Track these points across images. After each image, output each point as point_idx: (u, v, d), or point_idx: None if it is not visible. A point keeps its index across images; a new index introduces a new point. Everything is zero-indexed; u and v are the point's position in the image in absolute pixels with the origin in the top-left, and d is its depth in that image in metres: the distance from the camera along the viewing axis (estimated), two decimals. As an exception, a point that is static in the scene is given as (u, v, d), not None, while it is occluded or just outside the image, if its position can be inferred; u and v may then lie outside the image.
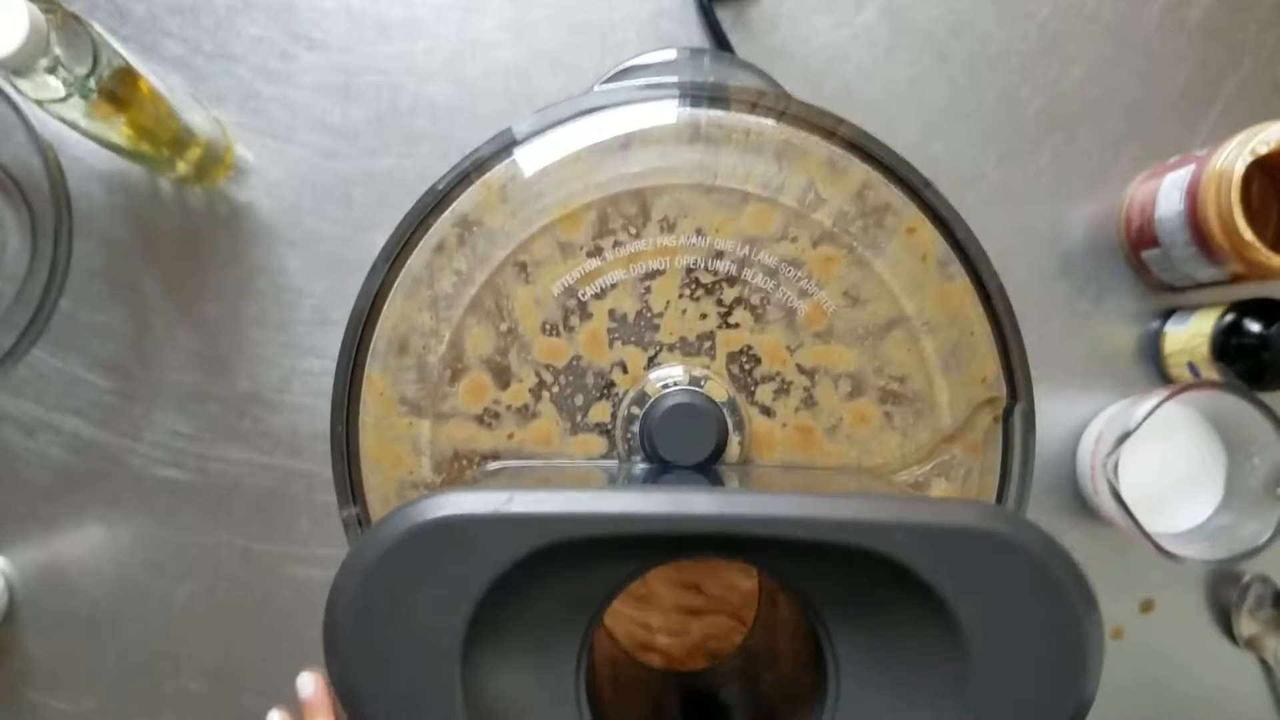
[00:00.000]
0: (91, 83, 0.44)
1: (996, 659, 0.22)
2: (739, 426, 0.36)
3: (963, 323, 0.37)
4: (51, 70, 0.42)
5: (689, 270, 0.36)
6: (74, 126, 0.47)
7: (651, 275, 0.36)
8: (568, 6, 0.57)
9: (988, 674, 0.22)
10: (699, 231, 0.36)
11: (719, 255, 0.36)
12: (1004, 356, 0.37)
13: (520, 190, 0.37)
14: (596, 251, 0.36)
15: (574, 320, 0.36)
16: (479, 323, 0.36)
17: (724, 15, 0.56)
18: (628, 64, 0.51)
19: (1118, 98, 0.58)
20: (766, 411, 0.37)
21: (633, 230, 0.36)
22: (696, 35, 0.57)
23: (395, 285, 0.37)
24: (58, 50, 0.42)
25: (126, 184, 0.56)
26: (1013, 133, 0.58)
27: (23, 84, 0.43)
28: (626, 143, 0.37)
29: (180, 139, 0.51)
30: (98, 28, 0.45)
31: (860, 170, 0.37)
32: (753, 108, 0.37)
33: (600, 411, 0.37)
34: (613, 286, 0.36)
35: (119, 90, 0.46)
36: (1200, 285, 0.55)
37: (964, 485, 0.37)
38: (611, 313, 0.36)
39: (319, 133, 0.57)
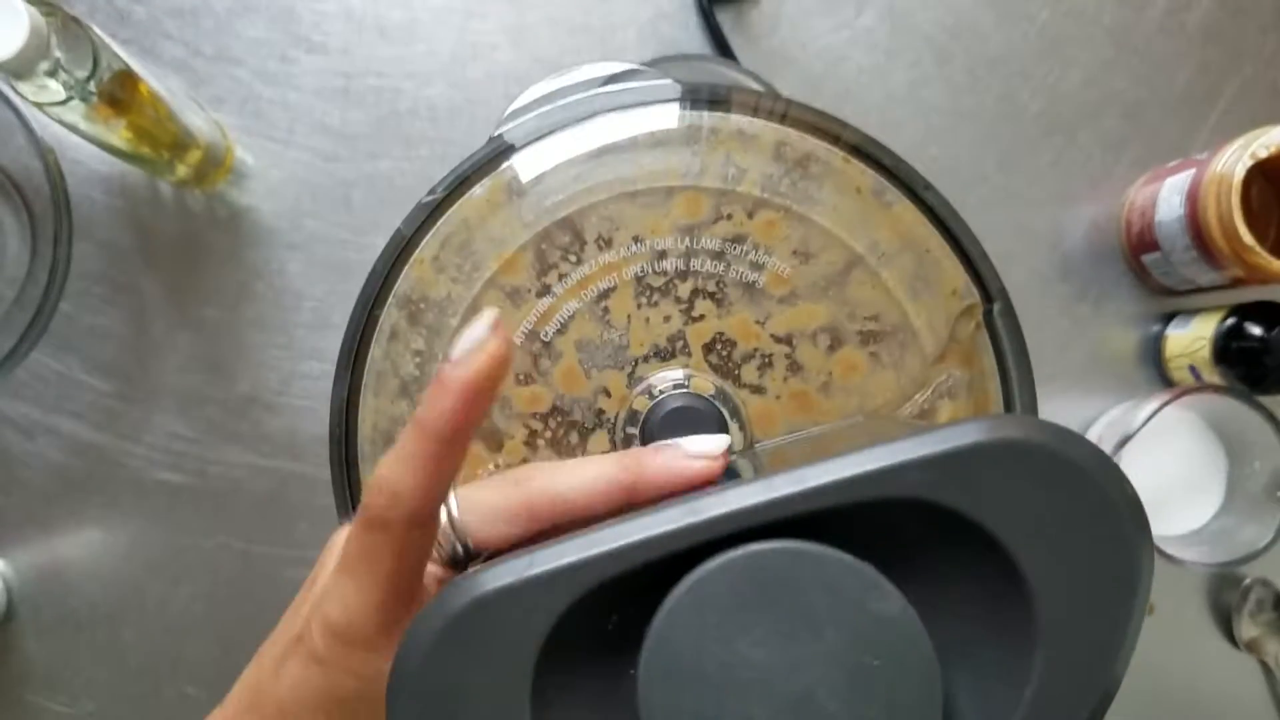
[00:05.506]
0: (91, 86, 0.44)
1: (1053, 585, 0.20)
2: (735, 414, 0.36)
3: (915, 244, 0.36)
4: (52, 73, 0.42)
5: (639, 279, 0.36)
6: (74, 129, 0.47)
7: (604, 295, 0.36)
8: (567, 10, 0.57)
9: (1049, 605, 0.21)
10: (636, 239, 0.36)
11: (662, 255, 0.36)
12: (966, 263, 0.37)
13: (453, 254, 0.36)
14: (545, 290, 0.36)
15: (544, 363, 0.36)
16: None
17: (724, 18, 0.56)
18: (516, 105, 0.45)
19: (1118, 100, 0.58)
20: (757, 390, 0.36)
21: (572, 258, 0.36)
22: (696, 38, 0.57)
23: (363, 384, 0.36)
24: (58, 53, 0.42)
25: (126, 187, 0.56)
26: (1013, 135, 0.58)
27: (23, 87, 0.43)
28: (540, 177, 0.36)
29: (180, 142, 0.51)
30: (98, 31, 0.45)
31: (771, 130, 0.36)
32: (676, 103, 0.37)
33: (599, 442, 0.36)
34: (571, 318, 0.36)
35: (119, 93, 0.46)
36: (1201, 289, 0.55)
37: (969, 398, 0.36)
38: (578, 344, 0.36)
39: (319, 135, 0.57)
